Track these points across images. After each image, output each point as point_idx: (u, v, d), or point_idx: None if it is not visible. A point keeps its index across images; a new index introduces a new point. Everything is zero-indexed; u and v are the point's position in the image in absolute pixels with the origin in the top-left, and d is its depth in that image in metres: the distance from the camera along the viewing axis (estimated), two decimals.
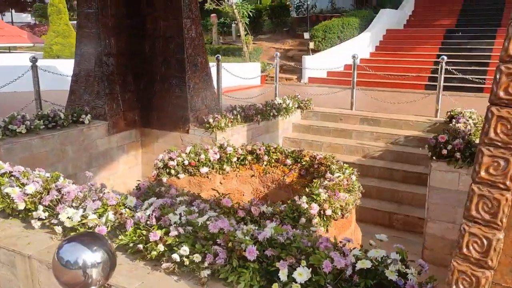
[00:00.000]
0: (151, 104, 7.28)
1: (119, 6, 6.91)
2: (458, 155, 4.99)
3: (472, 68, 13.93)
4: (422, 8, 19.53)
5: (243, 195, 5.41)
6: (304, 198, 3.93)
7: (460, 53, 14.89)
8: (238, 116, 7.17)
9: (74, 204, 2.73)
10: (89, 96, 6.87)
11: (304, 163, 5.25)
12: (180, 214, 2.58)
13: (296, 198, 3.92)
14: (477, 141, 5.27)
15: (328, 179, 4.50)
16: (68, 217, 2.59)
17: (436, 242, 5.36)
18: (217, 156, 5.36)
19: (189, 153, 5.29)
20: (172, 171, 5.09)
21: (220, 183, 5.28)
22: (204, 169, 5.16)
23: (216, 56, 8.13)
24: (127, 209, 2.72)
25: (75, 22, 9.61)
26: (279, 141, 8.34)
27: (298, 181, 5.07)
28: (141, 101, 7.32)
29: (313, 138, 8.29)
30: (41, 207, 2.71)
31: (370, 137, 7.97)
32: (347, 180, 4.41)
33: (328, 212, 3.79)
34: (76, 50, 6.99)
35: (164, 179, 5.02)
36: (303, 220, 3.54)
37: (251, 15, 17.08)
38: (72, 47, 13.60)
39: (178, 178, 5.12)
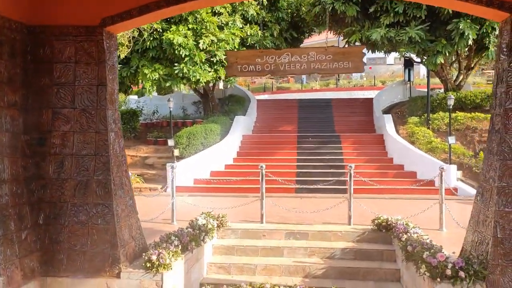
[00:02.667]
0: (57, 243, 5.42)
1: (15, 118, 5.23)
2: (462, 274, 4.76)
3: (332, 171, 14.96)
4: (264, 115, 20.86)
5: None
6: None
7: (315, 157, 16.00)
8: (180, 246, 5.84)
9: None
10: None
11: None
12: None
13: None
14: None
15: None
16: None
17: None
18: None
19: None
20: None
21: None
22: None
23: None
24: None
25: None
26: (203, 269, 7.11)
27: None
28: (42, 241, 5.41)
29: (242, 261, 7.31)
30: None
31: (304, 253, 7.42)
32: None
33: None
34: None
35: None
36: None
37: None
38: None
39: None
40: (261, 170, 9.13)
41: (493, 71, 29.92)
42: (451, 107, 14.20)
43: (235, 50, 14.89)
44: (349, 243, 7.58)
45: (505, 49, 4.96)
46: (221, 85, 21.80)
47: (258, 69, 11.60)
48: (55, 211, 5.46)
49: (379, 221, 7.60)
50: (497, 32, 14.29)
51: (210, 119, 16.75)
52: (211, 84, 18.04)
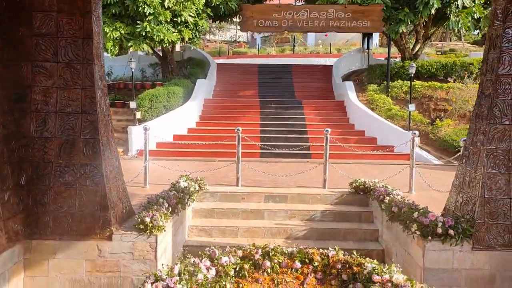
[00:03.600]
0: (42, 205, 5.12)
1: None
2: (452, 232, 5.00)
3: (295, 136, 15.11)
4: (224, 80, 20.56)
5: None
6: None
7: (278, 122, 16.06)
8: (170, 209, 5.70)
9: None
10: None
11: (316, 263, 4.40)
12: None
13: None
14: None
15: (379, 283, 3.83)
16: None
17: None
18: (213, 272, 4.02)
19: (181, 273, 3.81)
20: None
21: None
22: None
23: None
24: None
25: None
26: (185, 232, 7.02)
27: None
28: (25, 203, 5.08)
29: (223, 223, 7.27)
30: None
31: (285, 215, 7.49)
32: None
33: None
34: None
35: None
36: None
37: None
38: None
39: None
40: (237, 133, 9.05)
41: (441, 42, 30.81)
42: (412, 75, 14.62)
43: (202, 10, 14.39)
44: (328, 205, 7.74)
45: (500, 15, 5.08)
46: (178, 47, 21.17)
47: (275, 24, 10.98)
48: (38, 171, 5.12)
49: (357, 184, 7.79)
50: (458, 2, 14.75)
51: (172, 82, 16.25)
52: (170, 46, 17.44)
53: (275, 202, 7.87)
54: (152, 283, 3.62)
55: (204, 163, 12.62)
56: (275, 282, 4.23)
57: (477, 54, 21.23)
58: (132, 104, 14.14)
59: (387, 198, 6.51)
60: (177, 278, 3.69)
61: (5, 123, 4.95)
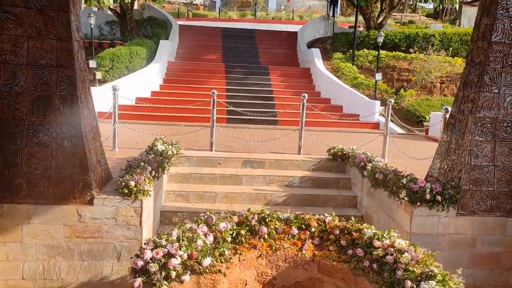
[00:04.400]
0: (14, 166, 4.68)
1: None
2: (439, 198, 5.06)
3: (261, 102, 14.93)
4: (185, 42, 19.89)
5: (246, 284, 4.03)
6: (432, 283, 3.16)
7: (244, 87, 15.78)
8: (153, 173, 5.40)
9: None
10: None
11: (313, 229, 4.31)
12: None
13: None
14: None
15: (381, 248, 3.80)
16: None
17: None
18: (211, 238, 3.85)
19: (179, 239, 3.62)
20: (173, 274, 3.37)
21: (224, 275, 3.77)
22: (206, 261, 3.62)
23: None
24: None
25: None
26: (162, 197, 6.76)
27: (323, 255, 4.10)
28: None
29: (201, 189, 7.05)
30: None
31: (263, 181, 7.36)
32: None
33: None
34: None
35: None
36: None
37: None
38: None
39: (182, 282, 3.42)
40: (212, 96, 8.77)
41: (400, 14, 31.10)
42: (380, 44, 14.67)
43: None
44: (305, 171, 7.68)
45: None
46: (136, 4, 20.15)
47: None
48: (8, 129, 4.65)
49: (335, 150, 7.76)
50: None
51: (134, 42, 15.49)
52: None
53: (253, 168, 7.71)
54: (151, 249, 3.39)
55: (171, 127, 12.24)
56: (273, 248, 4.11)
57: (436, 26, 21.66)
58: (92, 63, 13.36)
59: (369, 165, 6.51)
60: (177, 244, 3.48)
61: None
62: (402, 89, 15.32)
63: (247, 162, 7.76)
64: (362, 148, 7.94)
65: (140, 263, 3.36)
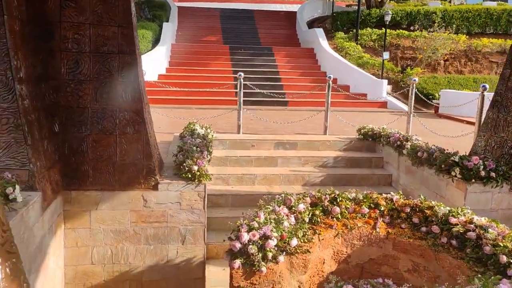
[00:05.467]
0: (80, 154, 4.68)
1: (21, 3, 4.13)
2: (493, 174, 5.22)
3: (269, 83, 14.93)
4: (185, 24, 19.66)
5: (324, 263, 4.16)
6: None
7: (250, 69, 15.73)
8: (208, 157, 5.45)
9: None
10: None
11: (382, 208, 4.44)
12: None
13: None
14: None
15: (459, 225, 3.95)
16: None
17: None
18: (293, 219, 3.96)
19: (267, 221, 3.72)
20: (269, 254, 3.47)
21: (309, 252, 3.89)
22: (294, 241, 3.73)
23: None
24: None
25: None
26: None
27: (396, 232, 4.23)
28: (61, 152, 4.62)
29: (239, 171, 7.13)
30: None
31: (298, 162, 7.47)
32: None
33: None
34: None
35: (264, 269, 3.38)
36: None
37: None
38: None
39: (277, 263, 3.53)
40: (239, 78, 8.76)
41: None
42: (387, 23, 14.72)
43: None
44: (338, 151, 7.80)
45: None
46: None
47: None
48: (73, 117, 4.64)
49: (365, 130, 7.89)
50: None
51: (139, 25, 15.24)
52: None
53: (285, 149, 7.81)
54: (247, 232, 3.47)
55: (185, 111, 12.22)
56: (348, 227, 4.22)
57: (435, 3, 21.77)
58: None
59: (408, 143, 6.65)
60: (271, 226, 3.57)
61: (34, 63, 4.36)
62: (408, 67, 15.46)
63: (280, 144, 7.85)
64: (386, 127, 8.10)
65: (238, 245, 3.45)
